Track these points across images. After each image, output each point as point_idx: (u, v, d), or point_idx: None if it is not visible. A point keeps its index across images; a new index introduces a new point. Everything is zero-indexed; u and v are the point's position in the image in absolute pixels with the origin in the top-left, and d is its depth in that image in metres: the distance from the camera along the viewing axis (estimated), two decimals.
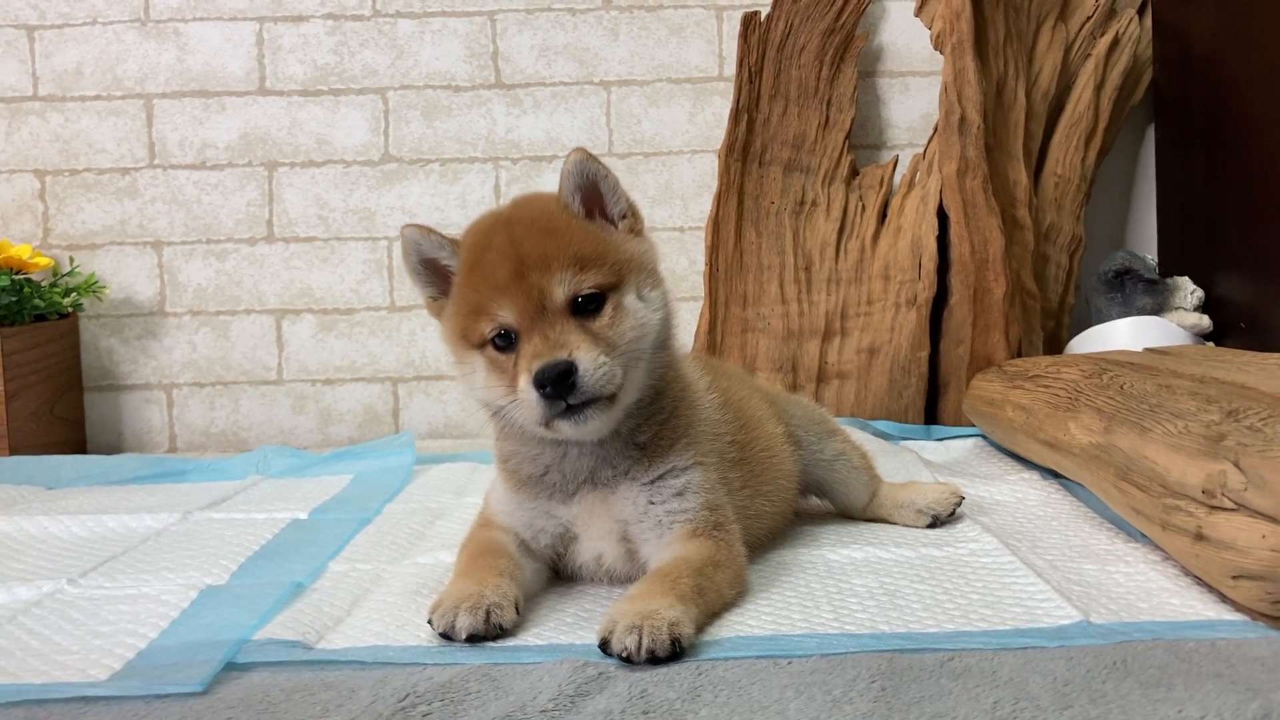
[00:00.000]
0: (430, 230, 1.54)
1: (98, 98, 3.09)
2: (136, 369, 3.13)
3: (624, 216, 1.56)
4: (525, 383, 1.39)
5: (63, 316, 3.00)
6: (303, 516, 2.10)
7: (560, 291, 1.42)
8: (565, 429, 1.43)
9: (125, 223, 3.11)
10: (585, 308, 1.44)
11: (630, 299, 1.48)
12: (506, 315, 1.43)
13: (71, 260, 3.07)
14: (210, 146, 3.11)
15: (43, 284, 2.96)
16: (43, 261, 2.92)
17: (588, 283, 1.44)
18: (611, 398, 1.43)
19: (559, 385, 1.38)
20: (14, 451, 2.72)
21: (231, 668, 1.34)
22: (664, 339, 1.55)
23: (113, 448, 3.11)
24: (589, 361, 1.39)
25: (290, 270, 3.12)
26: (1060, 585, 1.53)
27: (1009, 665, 1.26)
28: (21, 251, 2.88)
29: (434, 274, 1.56)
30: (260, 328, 3.13)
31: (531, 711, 1.17)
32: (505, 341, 1.45)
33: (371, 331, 3.13)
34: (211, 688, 1.28)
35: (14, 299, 2.78)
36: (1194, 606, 1.45)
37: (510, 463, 1.59)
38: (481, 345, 1.46)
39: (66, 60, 3.09)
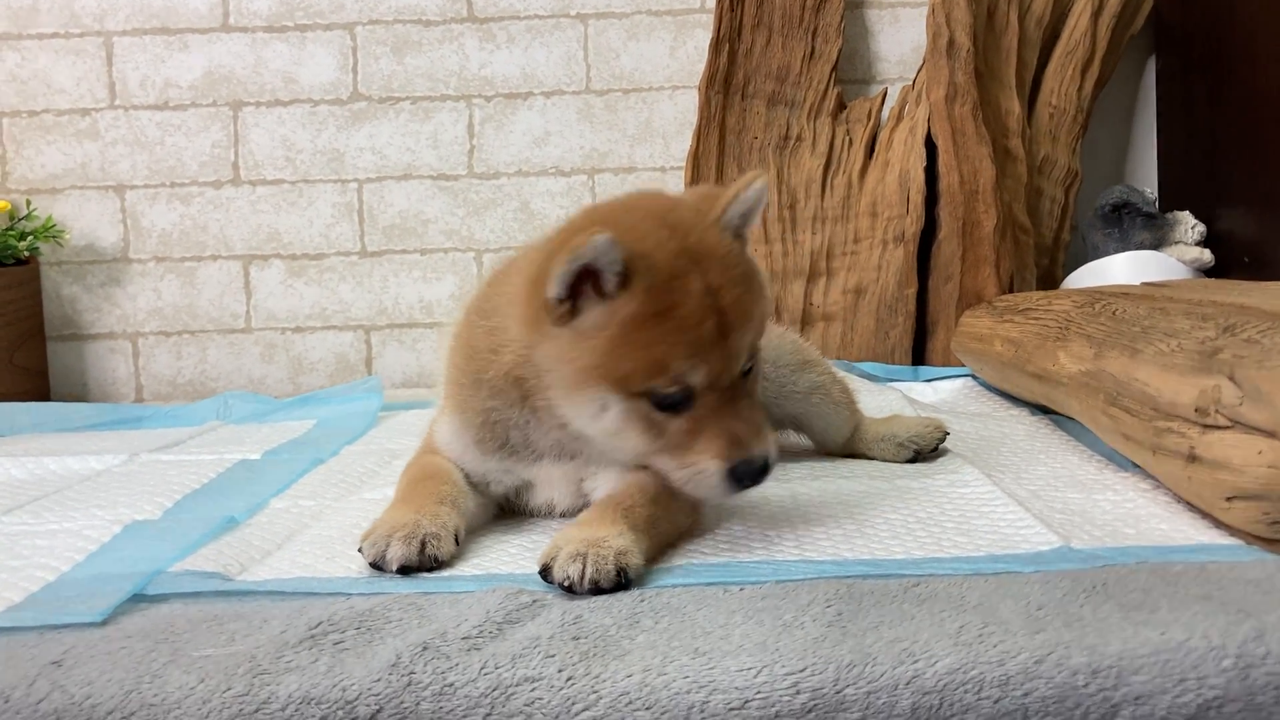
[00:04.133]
0: (617, 244, 1.20)
1: (55, 35, 2.98)
2: (100, 317, 3.02)
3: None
4: (715, 470, 1.26)
5: (20, 262, 2.90)
6: (254, 457, 2.00)
7: (745, 355, 1.28)
8: (725, 496, 1.33)
9: (86, 165, 3.00)
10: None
11: (761, 342, 1.35)
12: (696, 379, 1.24)
13: (29, 203, 2.96)
14: (173, 86, 2.99)
15: None
16: (1, 205, 2.81)
17: (757, 342, 1.32)
18: None
19: (761, 479, 1.28)
20: None
21: (141, 599, 1.24)
22: None
23: (77, 398, 3.01)
24: (774, 451, 1.30)
25: (257, 214, 3.01)
26: (1041, 513, 1.43)
27: (979, 590, 1.16)
28: None
29: (580, 280, 1.24)
30: (227, 274, 3.02)
31: (453, 638, 1.07)
32: (676, 402, 1.25)
33: (342, 277, 3.02)
34: (114, 619, 1.18)
35: None
36: (1184, 531, 1.34)
37: (493, 426, 1.41)
38: (637, 394, 1.24)
39: None
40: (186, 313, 3.03)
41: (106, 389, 3.03)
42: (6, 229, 2.85)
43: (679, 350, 1.22)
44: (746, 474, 1.26)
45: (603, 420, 1.28)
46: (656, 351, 1.22)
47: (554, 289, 1.24)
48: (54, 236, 2.90)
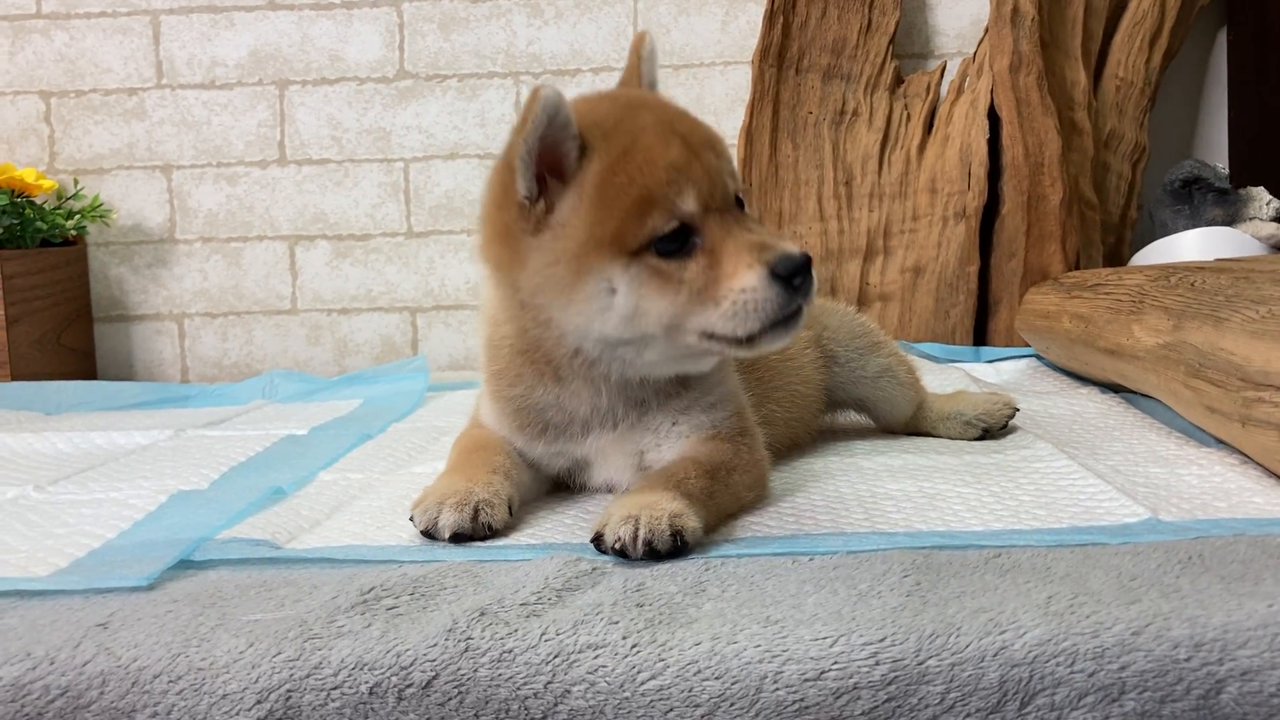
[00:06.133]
0: (568, 102, 1.17)
1: (103, 14, 2.96)
2: (147, 298, 3.01)
3: None
4: (758, 278, 1.13)
5: (68, 242, 2.89)
6: (301, 433, 1.97)
7: (730, 184, 1.21)
8: (771, 341, 1.18)
9: (133, 146, 2.99)
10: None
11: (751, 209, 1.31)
12: (687, 204, 1.16)
13: (76, 183, 2.95)
14: (219, 65, 2.97)
15: (46, 207, 2.84)
16: (47, 184, 2.80)
17: (739, 181, 1.24)
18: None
19: (807, 277, 1.15)
20: (16, 379, 2.62)
21: (188, 566, 1.20)
22: None
23: (123, 379, 3.00)
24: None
25: (303, 194, 2.99)
26: (1124, 486, 1.35)
27: (1065, 561, 1.09)
28: (26, 175, 2.76)
29: (542, 176, 1.20)
30: (273, 255, 3.00)
31: (510, 604, 1.02)
32: (678, 244, 1.16)
33: (388, 259, 2.99)
34: (160, 584, 1.14)
35: (15, 221, 2.67)
36: None
37: (529, 413, 1.35)
38: (637, 252, 1.16)
39: None
40: (232, 294, 3.01)
41: (152, 370, 3.02)
42: (54, 208, 2.84)
43: (658, 176, 1.16)
44: (791, 269, 1.14)
45: (616, 304, 1.18)
46: (637, 189, 1.16)
47: (522, 184, 1.19)
48: (101, 216, 2.89)
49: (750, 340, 1.17)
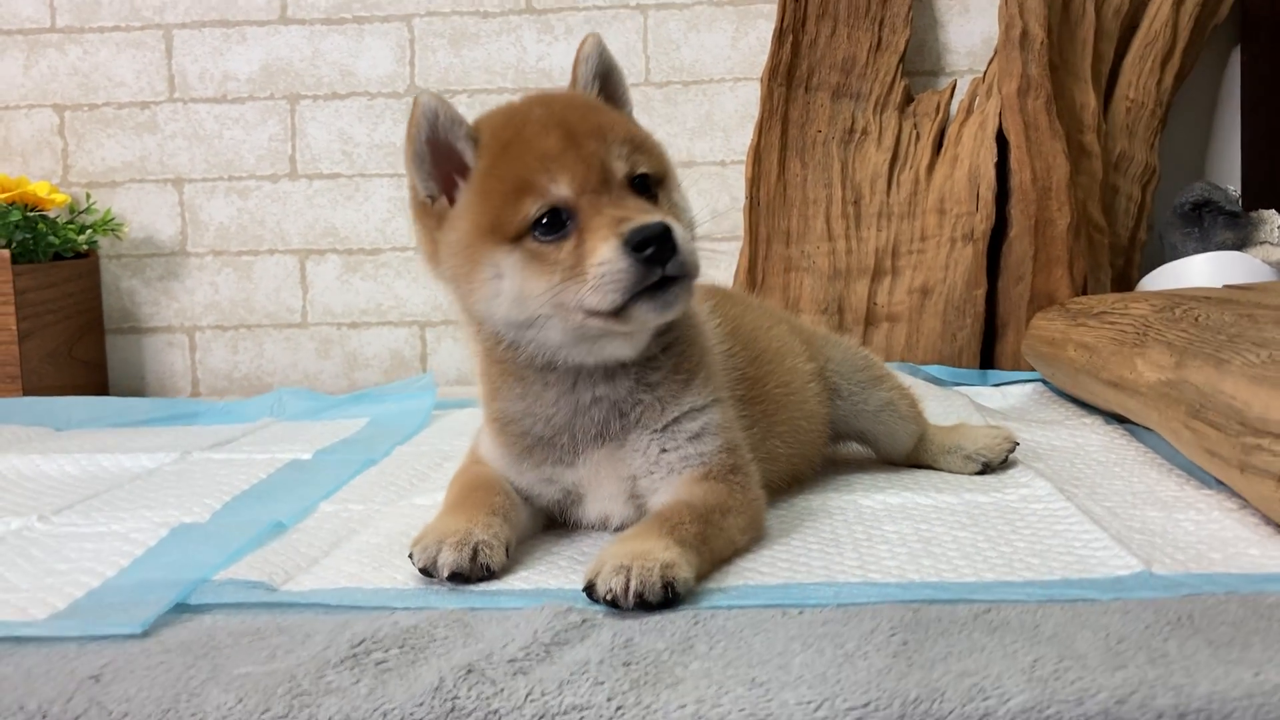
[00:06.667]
0: (450, 104, 1.28)
1: (116, 28, 2.98)
2: (158, 311, 3.03)
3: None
4: (611, 249, 1.17)
5: (80, 255, 2.91)
6: (305, 457, 1.98)
7: (620, 165, 1.24)
8: (645, 313, 1.21)
9: (145, 159, 3.01)
10: (641, 193, 1.26)
11: (678, 195, 1.33)
12: (561, 189, 1.21)
13: (88, 196, 2.97)
14: (231, 79, 2.99)
15: (59, 221, 2.86)
16: (60, 198, 2.82)
17: (643, 164, 1.27)
18: (689, 283, 1.23)
19: (662, 246, 1.17)
20: (29, 393, 2.64)
21: (184, 609, 1.22)
22: None
23: (135, 391, 3.02)
24: (679, 228, 1.20)
25: (314, 209, 3.00)
26: (1120, 533, 1.35)
27: (1055, 619, 1.09)
28: (39, 188, 2.79)
29: (436, 165, 1.29)
30: (284, 268, 3.02)
31: (498, 660, 1.03)
32: (553, 227, 1.21)
33: (398, 273, 3.00)
34: (155, 630, 1.15)
35: (29, 235, 2.69)
36: (1276, 558, 1.26)
37: (514, 426, 1.38)
38: (518, 237, 1.22)
39: None
40: (243, 307, 3.03)
41: (164, 382, 3.04)
42: (66, 223, 2.86)
43: (530, 165, 1.22)
44: (644, 238, 1.17)
45: (504, 289, 1.24)
46: (511, 179, 1.23)
47: (420, 186, 1.29)
48: (113, 230, 2.91)
49: (619, 313, 1.21)
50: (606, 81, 1.38)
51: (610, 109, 1.34)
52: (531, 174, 1.22)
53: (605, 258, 1.18)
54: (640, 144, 1.29)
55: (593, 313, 1.21)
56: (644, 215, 1.20)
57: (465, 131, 1.27)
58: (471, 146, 1.27)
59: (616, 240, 1.18)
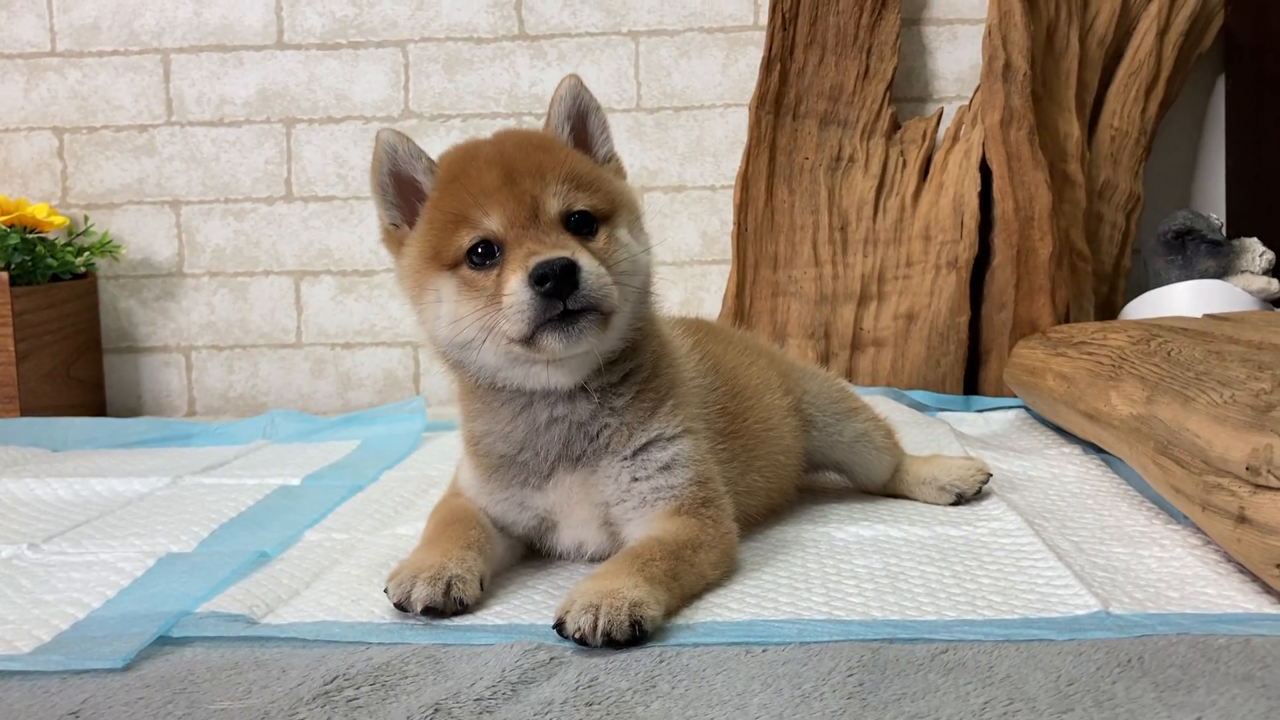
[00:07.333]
0: (410, 140, 1.38)
1: (115, 53, 3.03)
2: (155, 331, 3.07)
3: (608, 160, 1.45)
4: (518, 282, 1.25)
5: (78, 277, 2.95)
6: (294, 483, 2.02)
7: (554, 203, 1.31)
8: (552, 344, 1.27)
9: (143, 181, 3.05)
10: (579, 229, 1.32)
11: (623, 232, 1.38)
12: (492, 223, 1.30)
13: (86, 219, 3.01)
14: (228, 103, 3.03)
15: (57, 243, 2.90)
16: (58, 220, 2.87)
17: (582, 202, 1.33)
18: (606, 317, 1.29)
19: (561, 282, 1.24)
20: (26, 413, 2.68)
21: (167, 642, 1.25)
22: (648, 288, 1.42)
23: (132, 411, 3.06)
24: (590, 264, 1.27)
25: (309, 230, 3.04)
26: (1083, 570, 1.38)
27: (1009, 660, 1.12)
28: (38, 210, 2.83)
29: (401, 195, 1.39)
30: (279, 289, 3.05)
31: (465, 700, 1.06)
32: (485, 256, 1.30)
33: (391, 294, 3.03)
34: (137, 663, 1.19)
35: (27, 257, 2.73)
36: (1231, 597, 1.29)
37: (481, 445, 1.44)
38: (455, 265, 1.31)
39: (84, 14, 3.02)
40: (239, 327, 3.06)
41: (160, 401, 3.07)
42: (64, 245, 2.90)
43: (466, 200, 1.31)
44: (544, 273, 1.23)
45: (442, 312, 1.33)
46: (452, 210, 1.32)
47: (383, 215, 1.40)
48: (110, 251, 2.94)
49: (528, 341, 1.28)
50: (582, 121, 1.43)
51: (564, 149, 1.39)
52: (467, 208, 1.31)
53: (512, 289, 1.26)
54: (582, 182, 1.34)
55: (511, 340, 1.29)
56: (554, 251, 1.26)
57: (425, 165, 1.38)
58: (430, 178, 1.37)
59: (523, 273, 1.25)
